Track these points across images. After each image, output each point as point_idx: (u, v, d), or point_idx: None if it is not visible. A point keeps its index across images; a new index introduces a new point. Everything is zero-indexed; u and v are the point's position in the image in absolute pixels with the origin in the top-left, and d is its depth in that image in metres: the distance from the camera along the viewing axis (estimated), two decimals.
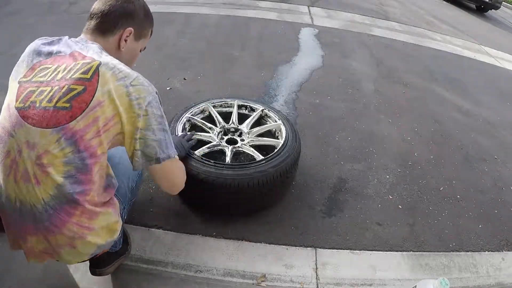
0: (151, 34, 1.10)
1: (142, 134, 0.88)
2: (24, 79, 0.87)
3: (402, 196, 1.84)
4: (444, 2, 8.07)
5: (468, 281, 1.48)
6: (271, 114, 1.74)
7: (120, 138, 0.89)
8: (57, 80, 0.84)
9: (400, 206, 1.78)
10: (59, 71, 0.86)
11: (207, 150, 1.50)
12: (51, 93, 0.82)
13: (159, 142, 0.91)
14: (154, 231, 1.43)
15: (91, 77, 0.83)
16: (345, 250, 1.49)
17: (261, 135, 1.68)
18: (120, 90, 0.85)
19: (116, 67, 0.87)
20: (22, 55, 0.94)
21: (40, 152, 0.81)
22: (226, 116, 1.73)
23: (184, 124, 1.60)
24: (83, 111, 0.82)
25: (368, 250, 1.51)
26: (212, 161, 1.36)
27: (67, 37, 0.95)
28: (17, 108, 0.83)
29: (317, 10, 4.81)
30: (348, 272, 1.41)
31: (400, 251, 1.54)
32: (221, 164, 1.36)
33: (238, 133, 1.67)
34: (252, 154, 1.52)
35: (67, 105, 0.81)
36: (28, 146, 0.81)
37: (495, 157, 2.35)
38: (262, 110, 1.76)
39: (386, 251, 1.53)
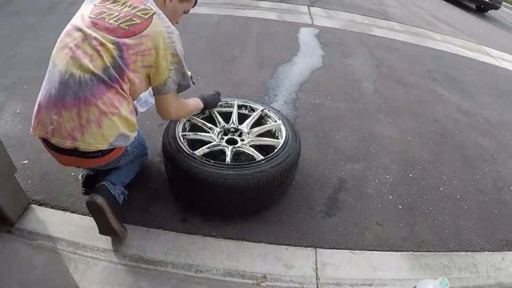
0: (195, 3, 1.37)
1: (175, 67, 1.20)
2: (99, 4, 1.18)
3: (402, 196, 1.84)
4: (444, 2, 8.07)
5: (468, 281, 1.48)
6: (271, 114, 1.74)
7: (150, 71, 1.18)
8: (124, 10, 1.16)
9: (400, 206, 1.78)
10: (126, 6, 1.17)
11: (207, 150, 1.50)
12: (118, 17, 1.14)
13: (184, 74, 1.25)
14: (154, 231, 1.43)
15: (147, 18, 1.15)
16: (345, 250, 1.49)
17: (261, 135, 1.68)
18: (164, 34, 1.15)
19: (165, 19, 1.18)
20: None
21: (101, 42, 1.10)
22: (226, 116, 1.73)
23: (184, 124, 1.60)
24: (136, 35, 1.12)
25: (368, 250, 1.51)
26: (212, 161, 1.36)
27: None
28: (90, 17, 1.14)
29: (317, 10, 4.81)
30: (348, 272, 1.41)
31: (400, 251, 1.54)
32: (221, 164, 1.36)
33: (238, 133, 1.67)
34: (252, 154, 1.52)
35: (127, 27, 1.13)
36: (92, 37, 1.10)
37: (495, 157, 2.35)
38: (262, 110, 1.76)
39: (386, 251, 1.53)
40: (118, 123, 1.14)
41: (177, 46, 1.19)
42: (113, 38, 1.11)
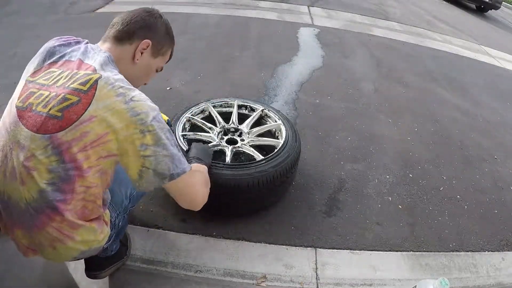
0: (170, 57, 1.08)
1: (151, 150, 0.82)
2: (30, 79, 0.87)
3: (402, 196, 1.84)
4: (444, 2, 8.07)
5: (468, 281, 1.48)
6: (271, 114, 1.74)
7: (116, 159, 0.84)
8: (57, 86, 0.82)
9: (400, 206, 1.78)
10: (61, 77, 0.84)
11: None
12: (47, 99, 0.81)
13: (172, 157, 0.85)
14: (154, 231, 1.43)
15: (88, 90, 0.80)
16: (345, 250, 1.49)
17: (261, 135, 1.68)
18: (118, 106, 0.80)
19: (117, 83, 0.82)
20: (38, 52, 0.92)
21: (28, 154, 0.79)
22: (226, 116, 1.73)
23: (184, 124, 1.60)
24: (73, 123, 0.78)
25: (368, 250, 1.51)
26: (212, 161, 1.36)
27: (85, 41, 0.94)
28: (16, 107, 0.83)
29: (317, 10, 4.82)
30: (348, 272, 1.41)
31: (400, 251, 1.54)
32: (221, 164, 1.36)
33: (238, 133, 1.67)
34: (252, 154, 1.52)
35: (59, 114, 0.79)
36: (19, 145, 0.80)
37: (495, 157, 2.35)
38: (262, 110, 1.76)
39: (386, 251, 1.53)
40: (78, 246, 0.90)
41: (148, 118, 0.81)
42: (43, 138, 0.78)
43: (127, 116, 0.80)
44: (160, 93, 2.35)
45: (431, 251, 1.57)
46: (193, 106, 1.71)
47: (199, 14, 3.84)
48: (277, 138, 1.64)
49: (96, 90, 0.80)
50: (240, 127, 1.68)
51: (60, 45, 0.91)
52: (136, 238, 1.39)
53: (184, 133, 1.55)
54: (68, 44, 0.92)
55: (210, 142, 1.55)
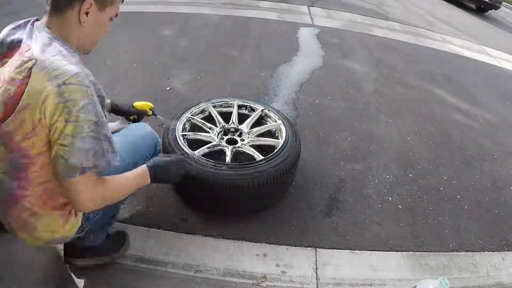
0: (122, 0, 0.97)
1: (68, 141, 0.79)
2: None
3: (402, 196, 1.84)
4: (444, 2, 8.07)
5: (468, 281, 1.48)
6: (271, 114, 1.74)
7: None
8: (3, 78, 0.82)
9: (400, 206, 1.78)
10: (7, 67, 0.83)
11: (207, 150, 1.50)
12: None
13: (87, 151, 0.81)
14: (154, 231, 1.43)
15: (23, 78, 0.78)
16: (345, 250, 1.49)
17: (261, 135, 1.68)
18: (49, 91, 0.77)
19: (52, 65, 0.78)
20: None
21: None
22: (226, 116, 1.73)
23: (184, 124, 1.60)
24: (12, 113, 0.79)
25: (368, 250, 1.51)
26: (212, 161, 1.36)
27: (33, 19, 0.90)
28: None
29: (317, 10, 4.81)
30: (348, 272, 1.41)
31: (400, 251, 1.54)
32: (221, 164, 1.36)
33: (238, 133, 1.67)
34: (252, 154, 1.52)
35: (1, 105, 0.80)
36: None
37: (495, 157, 2.35)
38: (262, 110, 1.76)
39: (386, 251, 1.53)
40: (42, 235, 0.94)
41: (75, 107, 0.77)
42: None
43: (56, 101, 0.77)
44: (160, 93, 2.35)
45: (431, 251, 1.57)
46: (193, 106, 1.71)
47: (199, 14, 3.84)
48: (277, 138, 1.64)
49: (30, 77, 0.78)
50: (240, 127, 1.68)
51: (11, 30, 0.89)
52: (136, 238, 1.39)
53: (184, 133, 1.55)
54: (17, 28, 0.89)
55: (210, 142, 1.55)
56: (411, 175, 2.00)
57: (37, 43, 0.82)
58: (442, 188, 1.96)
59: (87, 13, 0.87)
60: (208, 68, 2.76)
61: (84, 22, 0.88)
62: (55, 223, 0.93)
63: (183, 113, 1.65)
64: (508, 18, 8.98)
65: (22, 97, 0.78)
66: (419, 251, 1.56)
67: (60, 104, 0.77)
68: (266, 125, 1.71)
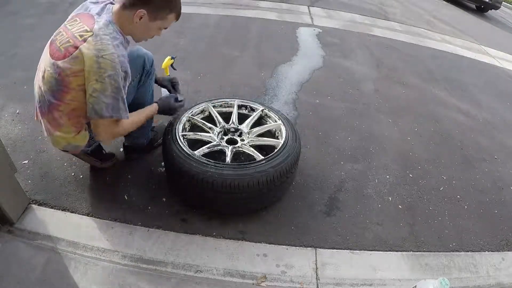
0: (176, 18, 1.31)
1: (96, 94, 1.15)
2: (65, 23, 1.25)
3: (402, 196, 1.84)
4: (444, 2, 8.07)
5: (468, 281, 1.48)
6: (271, 114, 1.74)
7: (84, 89, 1.17)
8: (70, 31, 1.19)
9: (400, 206, 1.78)
10: (76, 26, 1.19)
11: (207, 150, 1.50)
12: (63, 38, 1.19)
13: (107, 104, 1.18)
14: (154, 231, 1.43)
15: (81, 40, 1.15)
16: (345, 250, 1.49)
17: (261, 135, 1.68)
18: (92, 58, 1.12)
19: (101, 41, 1.14)
20: (78, 7, 1.28)
21: (47, 66, 1.20)
22: (226, 116, 1.73)
23: (184, 124, 1.60)
24: (67, 57, 1.15)
25: (368, 250, 1.51)
26: (212, 161, 1.36)
27: (109, 2, 1.25)
28: (51, 39, 1.25)
29: (317, 10, 4.81)
30: (348, 272, 1.41)
31: (400, 251, 1.54)
32: (221, 164, 1.36)
33: (238, 133, 1.67)
34: (252, 154, 1.52)
35: (62, 49, 1.17)
36: (44, 61, 1.23)
37: (495, 157, 2.35)
38: (262, 110, 1.76)
39: (386, 251, 1.53)
40: (60, 139, 1.32)
41: (105, 73, 1.13)
42: (53, 61, 1.18)
43: (94, 67, 1.13)
44: (160, 93, 2.34)
45: (431, 251, 1.57)
46: (193, 106, 1.72)
47: (199, 14, 3.84)
48: (277, 138, 1.64)
49: (85, 42, 1.14)
50: (240, 127, 1.68)
51: (91, 2, 1.26)
52: (136, 238, 1.39)
53: (184, 133, 1.55)
54: (96, 3, 1.26)
55: (210, 142, 1.55)
56: (411, 175, 2.00)
57: (100, 22, 1.18)
58: (442, 188, 1.96)
59: (141, 18, 1.21)
60: (208, 68, 2.76)
61: (136, 23, 1.22)
62: (69, 135, 1.30)
63: (183, 113, 1.64)
64: (508, 18, 8.98)
65: (76, 51, 1.14)
66: (419, 251, 1.56)
67: (95, 68, 1.13)
68: (266, 125, 1.71)
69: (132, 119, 1.34)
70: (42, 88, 1.24)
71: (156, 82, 1.67)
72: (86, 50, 1.13)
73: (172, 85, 1.69)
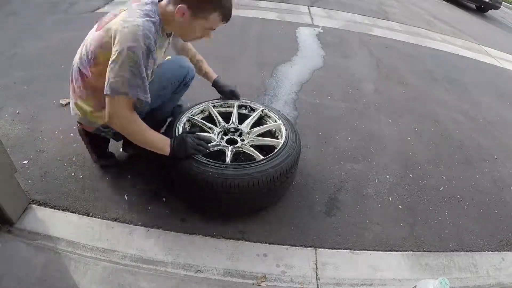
0: (223, 19, 1.23)
1: (113, 65, 1.11)
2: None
3: (402, 196, 1.84)
4: (444, 2, 8.07)
5: (468, 281, 1.48)
6: (271, 114, 1.74)
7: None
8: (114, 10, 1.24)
9: (400, 206, 1.78)
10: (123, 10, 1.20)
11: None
12: (108, 14, 1.24)
13: (124, 79, 1.11)
14: (154, 231, 1.43)
15: (118, 13, 1.18)
16: (345, 250, 1.49)
17: (261, 135, 1.68)
18: (118, 28, 1.11)
19: (131, 13, 1.14)
20: None
21: (86, 39, 1.27)
22: (226, 116, 1.73)
23: (184, 124, 1.60)
24: (101, 28, 1.18)
25: (368, 250, 1.51)
26: (212, 161, 1.36)
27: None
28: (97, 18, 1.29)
29: (317, 10, 4.82)
30: (348, 272, 1.41)
31: (400, 251, 1.54)
32: (221, 164, 1.36)
33: (238, 133, 1.67)
34: (252, 154, 1.52)
35: (102, 22, 1.22)
36: (88, 36, 1.27)
37: (495, 157, 2.35)
38: (262, 110, 1.76)
39: (386, 251, 1.53)
40: (79, 109, 1.35)
41: (126, 43, 1.07)
42: (92, 32, 1.24)
43: (117, 37, 1.10)
44: None
45: (431, 251, 1.57)
46: (193, 106, 1.72)
47: None
48: (277, 138, 1.64)
49: (119, 14, 1.17)
50: (240, 127, 1.68)
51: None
52: (136, 238, 1.39)
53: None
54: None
55: (210, 142, 1.55)
56: (411, 175, 2.00)
57: (142, 1, 1.19)
58: (442, 188, 1.96)
59: (183, 14, 1.17)
60: None
61: (179, 20, 1.19)
62: (89, 108, 1.33)
63: (183, 113, 1.65)
64: (508, 18, 8.98)
65: (109, 23, 1.16)
66: (419, 251, 1.56)
67: (118, 38, 1.10)
68: (266, 125, 1.71)
69: (146, 129, 1.25)
70: (77, 56, 1.28)
71: (216, 86, 1.71)
72: (115, 21, 1.14)
73: (231, 97, 1.75)
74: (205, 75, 1.81)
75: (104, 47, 1.16)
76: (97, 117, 1.35)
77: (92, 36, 1.22)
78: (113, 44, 1.11)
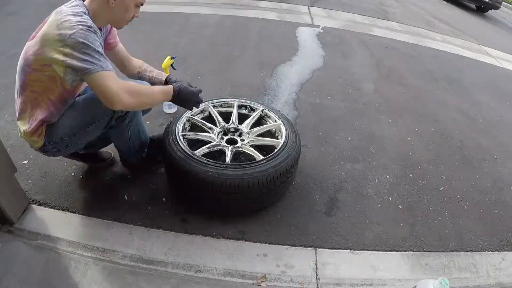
0: None
1: (69, 56, 1.08)
2: None
3: (402, 196, 1.84)
4: (444, 2, 8.07)
5: (468, 281, 1.48)
6: (271, 114, 1.74)
7: (50, 69, 1.14)
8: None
9: (400, 206, 1.78)
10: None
11: (207, 150, 1.50)
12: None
13: (83, 60, 1.08)
14: (154, 231, 1.43)
15: (47, 19, 1.14)
16: (345, 250, 1.49)
17: (261, 135, 1.68)
18: (52, 30, 1.08)
19: (61, 13, 1.11)
20: None
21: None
22: (226, 116, 1.73)
23: (184, 124, 1.60)
24: (34, 38, 1.15)
25: (368, 250, 1.51)
26: (212, 161, 1.36)
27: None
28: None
29: (317, 10, 4.81)
30: (348, 272, 1.41)
31: (400, 251, 1.54)
32: (221, 164, 1.36)
33: (238, 133, 1.67)
34: (252, 154, 1.52)
35: (34, 32, 1.17)
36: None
37: (495, 157, 2.35)
38: (262, 110, 1.76)
39: (386, 251, 1.53)
40: (20, 127, 1.29)
41: (66, 36, 1.06)
42: (26, 45, 1.19)
43: (55, 33, 1.08)
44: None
45: (431, 251, 1.57)
46: None
47: (199, 14, 3.84)
48: (277, 138, 1.64)
49: (49, 18, 1.13)
50: (240, 127, 1.68)
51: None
52: (136, 238, 1.39)
53: (184, 133, 1.55)
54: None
55: (210, 142, 1.55)
56: (411, 175, 2.00)
57: (69, 6, 1.16)
58: (442, 188, 1.96)
59: None
60: (208, 68, 2.76)
61: (112, 4, 1.17)
62: (24, 126, 1.26)
63: (183, 113, 1.65)
64: (508, 18, 8.98)
65: (42, 29, 1.12)
66: (419, 251, 1.56)
67: (57, 36, 1.07)
68: (266, 125, 1.71)
69: (145, 87, 1.26)
70: (17, 75, 1.24)
71: (166, 84, 1.57)
72: (49, 23, 1.10)
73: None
74: (156, 80, 1.57)
75: (37, 53, 1.13)
76: (33, 139, 1.29)
77: (26, 49, 1.17)
78: (53, 43, 1.08)
